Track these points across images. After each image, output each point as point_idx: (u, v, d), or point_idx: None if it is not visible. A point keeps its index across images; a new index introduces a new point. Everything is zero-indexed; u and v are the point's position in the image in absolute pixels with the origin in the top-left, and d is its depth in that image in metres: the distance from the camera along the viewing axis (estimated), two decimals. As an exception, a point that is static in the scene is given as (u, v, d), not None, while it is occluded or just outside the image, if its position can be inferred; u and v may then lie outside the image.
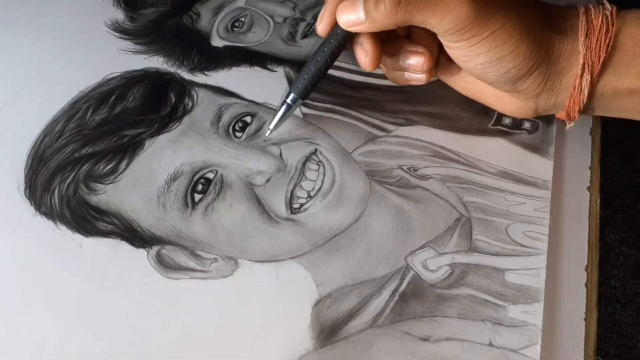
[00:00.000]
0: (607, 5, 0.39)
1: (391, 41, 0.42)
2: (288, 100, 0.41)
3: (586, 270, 0.41)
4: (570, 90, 0.40)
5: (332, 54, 0.41)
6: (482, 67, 0.40)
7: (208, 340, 0.38)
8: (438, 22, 0.37)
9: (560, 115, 0.42)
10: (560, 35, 0.39)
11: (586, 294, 0.40)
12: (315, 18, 0.56)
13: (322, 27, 0.41)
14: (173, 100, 0.49)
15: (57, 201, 0.43)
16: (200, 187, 0.44)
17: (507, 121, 0.48)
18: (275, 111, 0.42)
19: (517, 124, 0.48)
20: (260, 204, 0.43)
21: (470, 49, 0.39)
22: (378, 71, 0.52)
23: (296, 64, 0.52)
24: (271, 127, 0.42)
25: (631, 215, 0.94)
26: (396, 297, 0.39)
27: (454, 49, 0.39)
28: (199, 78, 0.51)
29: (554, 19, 0.40)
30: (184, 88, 0.50)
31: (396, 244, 0.42)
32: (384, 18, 0.38)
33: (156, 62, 0.52)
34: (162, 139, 0.46)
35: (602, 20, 0.39)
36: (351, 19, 0.39)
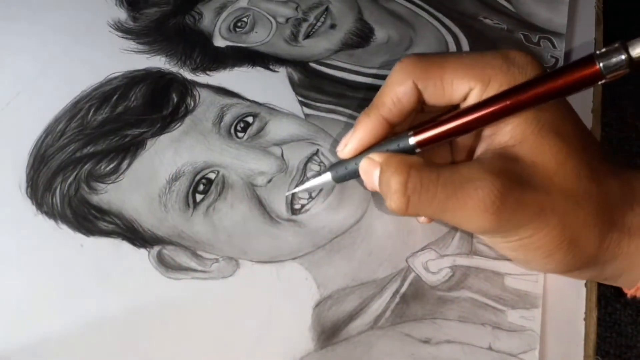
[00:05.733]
0: None
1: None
2: (325, 179, 0.40)
3: (586, 270, 0.41)
4: (637, 284, 0.36)
5: None
6: (509, 257, 0.39)
7: (208, 340, 0.38)
8: (457, 224, 0.34)
9: (624, 289, 0.38)
10: (622, 235, 0.34)
11: (586, 294, 0.40)
12: (317, 18, 0.56)
13: (342, 154, 0.39)
14: (175, 100, 0.49)
15: (58, 200, 0.43)
16: (201, 187, 0.44)
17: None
18: (308, 180, 0.42)
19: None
20: (261, 205, 0.43)
21: (494, 245, 0.37)
22: (380, 72, 0.52)
23: (298, 65, 0.52)
24: (295, 190, 0.43)
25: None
26: (397, 299, 0.39)
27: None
28: (201, 78, 0.51)
29: (619, 212, 0.34)
30: (186, 88, 0.50)
31: (397, 245, 0.42)
32: (396, 212, 0.34)
33: (158, 62, 0.52)
34: (164, 138, 0.46)
35: None
36: (370, 185, 0.37)
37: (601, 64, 0.31)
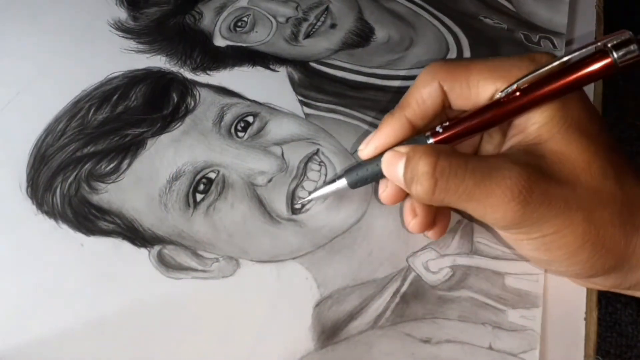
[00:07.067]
0: None
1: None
2: (340, 185, 0.40)
3: (587, 270, 0.41)
4: None
5: None
6: (531, 259, 0.38)
7: (209, 340, 0.38)
8: (480, 216, 0.34)
9: None
10: None
11: (586, 294, 0.40)
12: (317, 18, 0.56)
13: (364, 154, 0.39)
14: (175, 99, 0.49)
15: (58, 200, 0.43)
16: (202, 187, 0.44)
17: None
18: (322, 186, 0.42)
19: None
20: (261, 204, 0.43)
21: (517, 243, 0.36)
22: (380, 71, 0.52)
23: (299, 64, 0.52)
24: (310, 197, 0.42)
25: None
26: (397, 299, 0.39)
27: (500, 233, 0.38)
28: (201, 78, 0.51)
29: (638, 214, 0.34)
30: (186, 87, 0.50)
31: (398, 245, 0.42)
32: (421, 198, 0.35)
33: (159, 62, 0.52)
34: (164, 138, 0.46)
35: None
36: (392, 176, 0.36)
37: (615, 55, 0.32)
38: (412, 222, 0.38)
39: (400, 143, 0.37)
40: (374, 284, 0.40)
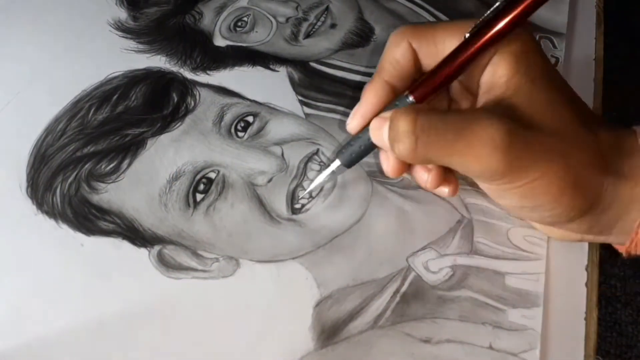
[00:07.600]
0: None
1: None
2: (334, 168, 0.40)
3: (586, 269, 0.41)
4: (631, 234, 0.36)
5: None
6: (514, 208, 0.38)
7: (209, 340, 0.38)
8: (464, 169, 0.34)
9: (618, 247, 0.39)
10: (617, 180, 0.35)
11: (586, 294, 0.40)
12: (318, 18, 0.56)
13: (352, 126, 0.39)
14: (175, 99, 0.49)
15: (58, 200, 0.43)
16: (202, 186, 0.44)
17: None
18: (318, 175, 0.41)
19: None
20: (261, 204, 0.43)
21: (501, 193, 0.36)
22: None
23: (299, 64, 0.52)
24: (309, 188, 0.42)
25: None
26: (397, 298, 0.39)
27: (483, 186, 0.38)
28: (201, 77, 0.51)
29: (612, 158, 0.35)
30: (186, 87, 0.50)
31: (398, 244, 0.42)
32: (405, 156, 0.35)
33: (159, 62, 0.52)
34: (164, 138, 0.46)
35: None
36: (380, 142, 0.37)
37: None
38: (429, 177, 0.38)
39: (384, 109, 0.38)
40: (374, 283, 0.40)
